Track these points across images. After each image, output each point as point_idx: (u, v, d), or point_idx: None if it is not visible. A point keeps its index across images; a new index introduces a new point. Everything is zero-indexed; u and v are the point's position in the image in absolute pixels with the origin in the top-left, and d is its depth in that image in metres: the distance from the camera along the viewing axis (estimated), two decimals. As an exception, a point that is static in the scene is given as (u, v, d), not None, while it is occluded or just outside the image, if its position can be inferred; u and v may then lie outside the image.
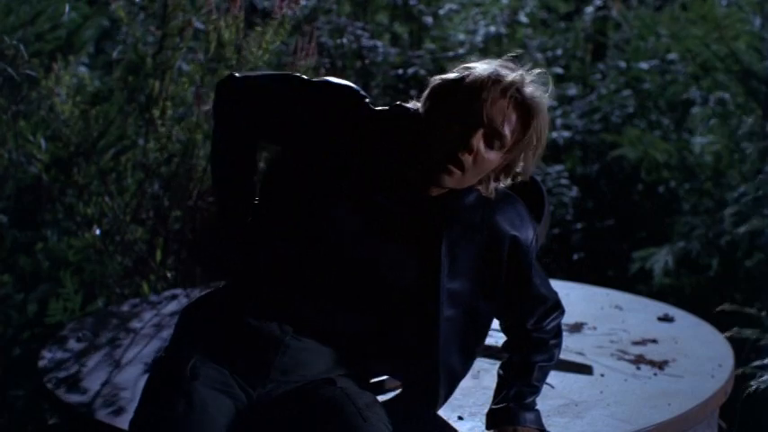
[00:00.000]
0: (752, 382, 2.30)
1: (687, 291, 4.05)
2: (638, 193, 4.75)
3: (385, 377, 1.90)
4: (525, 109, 1.59)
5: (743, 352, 2.67)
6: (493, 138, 1.58)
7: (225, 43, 2.91)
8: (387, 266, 1.65)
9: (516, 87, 1.58)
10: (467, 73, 1.61)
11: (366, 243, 1.64)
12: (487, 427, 1.75)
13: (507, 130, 1.58)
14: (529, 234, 1.73)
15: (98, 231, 3.19)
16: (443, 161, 1.58)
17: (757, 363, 2.46)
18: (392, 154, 1.65)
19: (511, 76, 1.59)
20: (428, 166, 1.60)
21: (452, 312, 1.68)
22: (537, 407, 1.76)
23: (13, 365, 3.11)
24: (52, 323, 2.95)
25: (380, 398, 1.76)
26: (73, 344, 2.36)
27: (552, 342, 1.80)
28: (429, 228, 1.65)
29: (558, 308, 1.81)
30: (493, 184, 1.66)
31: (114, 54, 3.52)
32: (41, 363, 2.22)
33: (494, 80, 1.58)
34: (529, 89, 1.60)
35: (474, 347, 1.77)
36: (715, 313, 2.59)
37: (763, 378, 2.31)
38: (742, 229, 3.53)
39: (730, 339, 2.39)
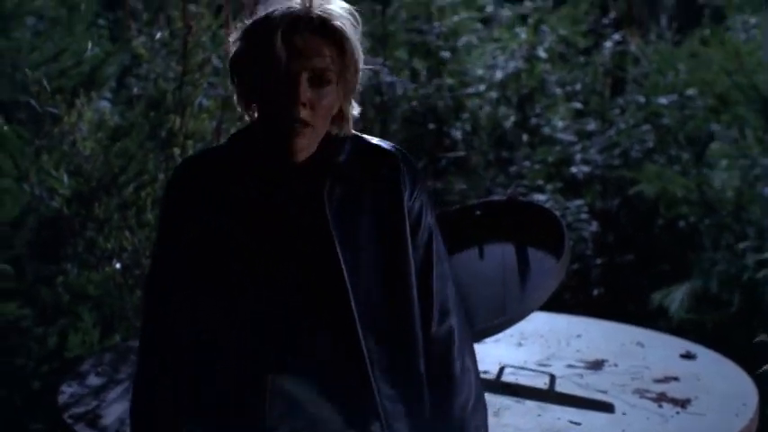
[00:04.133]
0: None
1: (708, 326, 4.01)
2: (658, 228, 4.72)
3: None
4: (328, 30, 1.45)
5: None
6: (315, 76, 1.44)
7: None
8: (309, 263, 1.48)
9: (305, 17, 1.44)
10: (248, 35, 1.47)
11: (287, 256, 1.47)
12: None
13: (324, 63, 1.44)
14: (402, 192, 1.52)
15: (118, 265, 3.21)
16: (285, 122, 1.44)
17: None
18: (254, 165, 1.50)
19: (293, 8, 1.44)
20: (276, 136, 1.46)
21: (361, 283, 1.48)
22: None
23: (33, 398, 3.12)
24: (71, 357, 2.96)
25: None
26: (92, 379, 2.37)
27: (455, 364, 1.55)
28: (314, 203, 1.48)
29: (447, 314, 1.56)
30: (349, 119, 1.51)
31: (135, 90, 3.56)
32: (61, 398, 2.22)
33: (279, 21, 1.43)
34: (317, 9, 1.45)
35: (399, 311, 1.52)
36: (738, 349, 2.56)
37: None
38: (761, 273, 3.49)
39: (761, 376, 2.34)
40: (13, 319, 3.12)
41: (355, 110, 1.54)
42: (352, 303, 1.46)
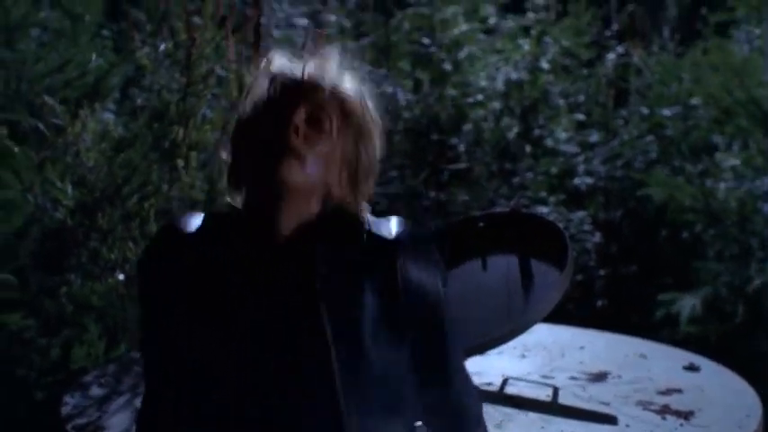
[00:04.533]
0: None
1: (712, 338, 4.01)
2: (661, 239, 4.73)
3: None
4: (339, 106, 1.33)
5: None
6: (313, 118, 1.30)
7: (247, 91, 2.95)
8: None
9: (310, 92, 1.31)
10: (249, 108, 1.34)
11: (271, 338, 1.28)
12: None
13: (323, 111, 1.31)
14: (437, 283, 1.34)
15: (121, 276, 3.21)
16: (274, 154, 1.26)
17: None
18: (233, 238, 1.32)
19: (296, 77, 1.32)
20: (264, 167, 1.27)
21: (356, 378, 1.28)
22: None
23: (36, 409, 3.12)
24: (75, 369, 2.96)
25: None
26: (95, 390, 2.37)
27: None
28: (302, 287, 1.28)
29: (479, 425, 1.43)
30: (360, 195, 1.34)
31: (139, 101, 3.57)
32: (64, 409, 2.22)
33: (281, 95, 1.31)
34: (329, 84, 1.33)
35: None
36: (741, 360, 2.55)
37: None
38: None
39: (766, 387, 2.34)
40: (16, 330, 3.12)
41: (371, 189, 1.36)
42: (343, 409, 1.25)
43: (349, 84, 1.35)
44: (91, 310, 3.19)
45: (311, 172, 1.27)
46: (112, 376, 2.46)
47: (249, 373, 1.26)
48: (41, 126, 2.96)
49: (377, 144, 1.36)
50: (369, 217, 1.36)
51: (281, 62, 1.35)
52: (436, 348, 1.35)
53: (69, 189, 3.22)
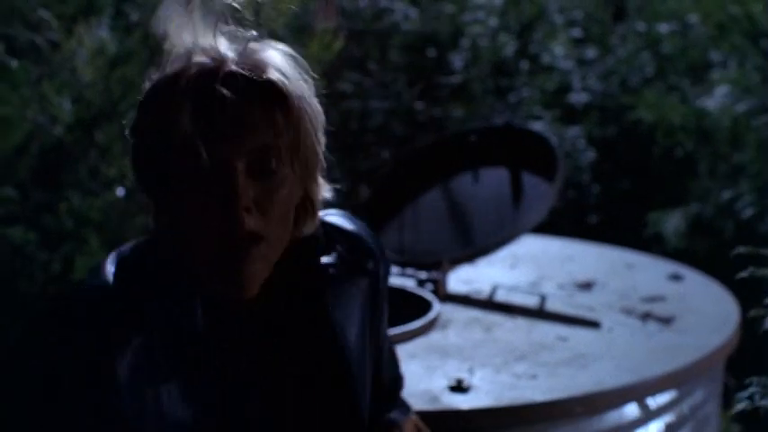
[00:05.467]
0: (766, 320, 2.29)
1: (701, 254, 4.08)
2: (655, 157, 4.76)
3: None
4: (262, 91, 1.01)
5: (760, 294, 2.66)
6: (255, 164, 1.01)
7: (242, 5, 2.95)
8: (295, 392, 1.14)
9: (226, 77, 1.00)
10: (147, 111, 1.05)
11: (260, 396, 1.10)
12: None
13: (266, 139, 1.01)
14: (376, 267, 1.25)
15: (121, 191, 3.26)
16: (223, 246, 0.99)
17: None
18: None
19: (206, 63, 1.01)
20: (214, 264, 1.01)
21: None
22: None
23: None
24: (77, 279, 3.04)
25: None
26: (97, 298, 2.45)
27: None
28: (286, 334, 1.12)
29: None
30: (314, 217, 1.12)
31: (134, 17, 3.57)
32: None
33: (187, 87, 1.00)
34: (244, 61, 1.02)
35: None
36: (728, 274, 2.60)
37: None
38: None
39: (746, 281, 2.34)
40: (18, 244, 3.19)
41: (326, 192, 1.12)
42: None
43: (289, 71, 1.05)
44: (91, 225, 3.25)
45: (273, 236, 1.03)
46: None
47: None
48: (39, 41, 2.97)
49: (321, 125, 1.10)
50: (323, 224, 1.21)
51: (205, 48, 1.02)
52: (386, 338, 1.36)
53: (67, 105, 3.25)
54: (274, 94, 1.01)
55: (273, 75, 1.02)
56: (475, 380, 1.88)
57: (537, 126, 4.48)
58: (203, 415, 1.03)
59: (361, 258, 1.21)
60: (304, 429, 1.13)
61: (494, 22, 5.05)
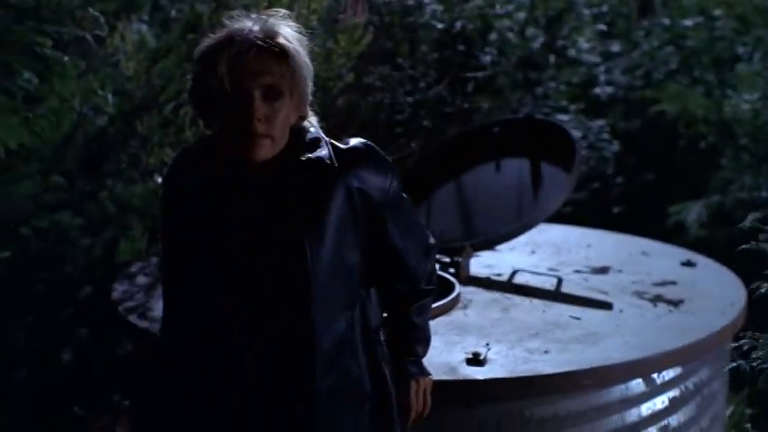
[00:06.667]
0: (762, 287, 2.33)
1: (721, 244, 4.16)
2: (679, 149, 4.85)
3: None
4: (275, 49, 1.56)
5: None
6: (268, 92, 1.56)
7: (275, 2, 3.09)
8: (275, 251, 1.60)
9: (250, 39, 1.55)
10: (200, 63, 1.61)
11: (248, 241, 1.61)
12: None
13: (274, 78, 1.56)
14: (379, 183, 1.66)
15: (160, 180, 3.42)
16: (245, 137, 1.56)
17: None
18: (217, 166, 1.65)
19: (239, 31, 1.57)
20: (239, 146, 1.57)
21: (322, 267, 1.60)
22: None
23: (83, 305, 3.37)
24: (120, 262, 3.20)
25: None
26: (141, 279, 2.61)
27: (424, 289, 1.76)
28: (284, 196, 1.62)
29: (428, 254, 1.77)
30: (309, 120, 1.65)
31: (172, 13, 3.73)
32: (114, 294, 2.47)
33: (225, 44, 1.56)
34: (262, 30, 1.57)
35: (345, 299, 1.66)
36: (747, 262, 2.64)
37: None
38: None
39: (750, 252, 2.34)
40: (64, 229, 3.36)
41: (313, 120, 1.66)
42: (312, 290, 1.58)
43: (292, 38, 1.59)
44: (133, 211, 3.42)
45: (276, 137, 1.58)
46: (156, 267, 2.70)
47: (235, 252, 1.60)
48: (88, 36, 3.13)
49: (310, 76, 1.62)
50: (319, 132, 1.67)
51: (239, 24, 1.59)
52: (406, 224, 1.71)
53: (110, 97, 3.41)
54: (281, 52, 1.57)
55: (281, 40, 1.57)
56: (491, 354, 2.01)
57: (562, 119, 4.59)
58: (210, 238, 1.61)
59: (337, 159, 1.62)
60: (261, 265, 1.60)
61: (521, 15, 5.15)
